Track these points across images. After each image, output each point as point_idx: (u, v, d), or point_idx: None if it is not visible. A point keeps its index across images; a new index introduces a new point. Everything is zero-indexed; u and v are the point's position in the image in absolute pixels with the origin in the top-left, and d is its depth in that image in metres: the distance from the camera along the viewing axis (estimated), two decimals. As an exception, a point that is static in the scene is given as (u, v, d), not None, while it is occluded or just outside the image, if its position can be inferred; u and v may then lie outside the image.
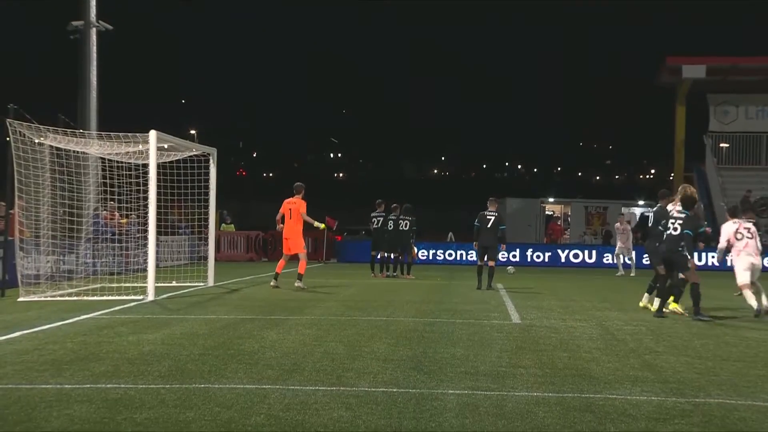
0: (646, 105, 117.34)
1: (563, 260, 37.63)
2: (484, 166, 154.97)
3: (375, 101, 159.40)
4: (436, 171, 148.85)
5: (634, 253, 32.07)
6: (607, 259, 38.02)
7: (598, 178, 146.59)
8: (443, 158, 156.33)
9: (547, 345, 12.70)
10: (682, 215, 16.76)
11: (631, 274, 30.95)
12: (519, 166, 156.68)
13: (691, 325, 15.66)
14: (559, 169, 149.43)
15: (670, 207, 17.43)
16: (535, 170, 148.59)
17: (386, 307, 17.84)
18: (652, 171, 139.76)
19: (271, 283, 22.32)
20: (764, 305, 16.95)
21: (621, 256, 32.00)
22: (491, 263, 22.79)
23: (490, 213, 22.89)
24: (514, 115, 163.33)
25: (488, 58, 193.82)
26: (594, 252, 37.39)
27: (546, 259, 38.25)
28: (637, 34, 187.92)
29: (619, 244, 32.03)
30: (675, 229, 16.67)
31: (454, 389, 9.19)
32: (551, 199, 54.38)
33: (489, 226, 22.73)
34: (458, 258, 38.99)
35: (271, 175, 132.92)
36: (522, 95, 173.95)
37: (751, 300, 16.84)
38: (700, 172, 47.00)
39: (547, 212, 50.36)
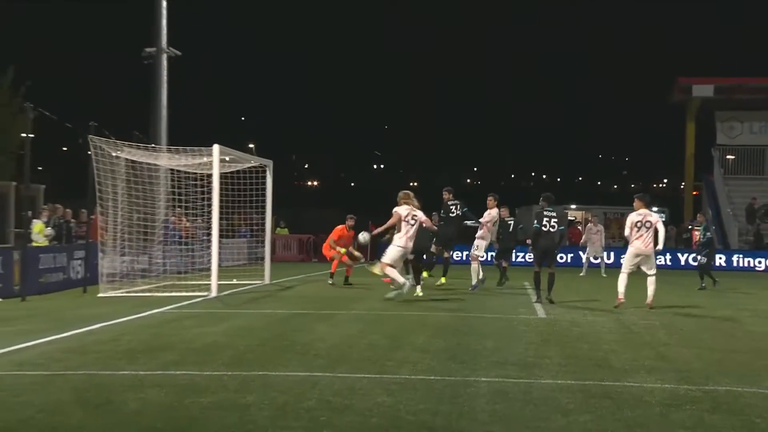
0: (658, 121, 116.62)
1: (584, 261, 37.31)
2: (512, 175, 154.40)
3: (418, 120, 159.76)
4: (469, 180, 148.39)
5: (605, 253, 31.84)
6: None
7: (615, 186, 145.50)
8: (475, 169, 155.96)
9: (569, 338, 12.62)
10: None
11: (603, 275, 30.47)
12: (543, 176, 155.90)
13: (701, 320, 15.49)
14: (580, 178, 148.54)
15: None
16: (558, 179, 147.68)
17: (423, 304, 17.81)
18: (665, 181, 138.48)
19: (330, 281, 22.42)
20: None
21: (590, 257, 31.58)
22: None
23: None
24: (541, 131, 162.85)
25: (520, 83, 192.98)
26: (612, 254, 37.00)
27: (568, 260, 38.00)
28: (651, 57, 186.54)
29: (590, 244, 31.63)
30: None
31: (486, 377, 9.15)
32: (573, 206, 53.98)
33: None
34: (488, 259, 38.81)
35: (316, 184, 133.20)
36: (549, 114, 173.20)
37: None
38: (708, 181, 46.66)
39: (569, 217, 50.00)
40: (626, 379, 9.24)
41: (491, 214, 21.67)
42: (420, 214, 18.01)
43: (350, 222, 22.91)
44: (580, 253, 38.42)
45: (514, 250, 25.71)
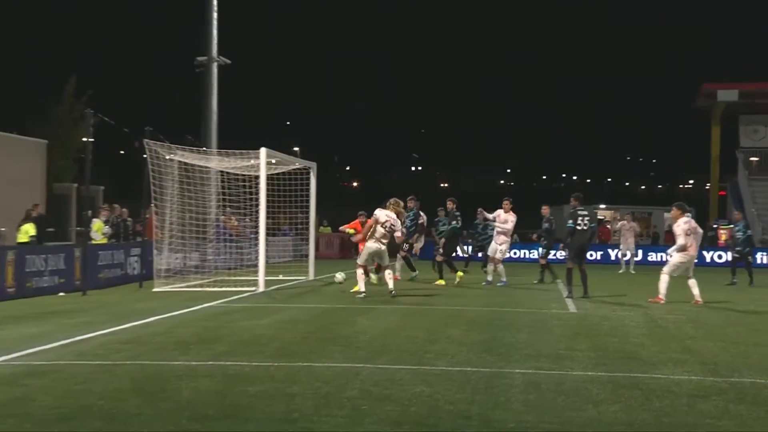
0: (684, 124, 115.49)
1: (613, 258, 36.99)
2: (544, 177, 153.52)
3: (454, 122, 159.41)
4: (502, 182, 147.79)
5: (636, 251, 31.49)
6: (652, 257, 37.35)
7: (643, 187, 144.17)
8: (509, 171, 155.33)
9: (599, 331, 12.52)
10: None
11: (631, 271, 30.19)
12: (574, 177, 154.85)
13: (727, 315, 15.31)
14: (609, 179, 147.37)
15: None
16: (588, 180, 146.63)
17: (459, 299, 17.78)
18: (691, 182, 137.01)
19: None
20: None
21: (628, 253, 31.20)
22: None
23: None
24: (572, 135, 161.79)
25: (549, 85, 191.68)
26: (640, 252, 36.63)
27: (598, 257, 37.73)
28: (676, 62, 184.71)
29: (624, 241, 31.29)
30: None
31: (520, 369, 9.10)
32: (602, 206, 53.58)
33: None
34: (522, 256, 38.66)
35: (355, 184, 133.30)
36: (579, 117, 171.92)
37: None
38: (733, 183, 46.19)
39: (598, 217, 49.65)
40: (654, 371, 9.15)
41: (511, 219, 21.53)
42: (398, 224, 17.72)
43: (361, 219, 22.75)
44: (609, 250, 38.18)
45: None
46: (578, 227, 17.94)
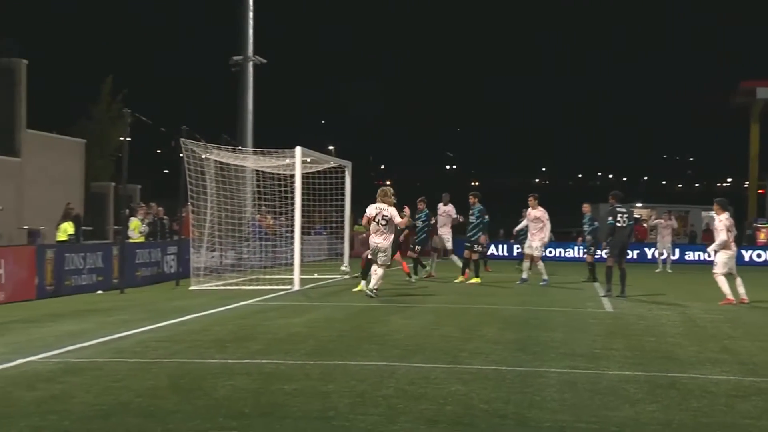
0: (720, 122, 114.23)
1: (650, 257, 36.70)
2: (580, 175, 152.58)
3: (489, 121, 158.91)
4: (537, 180, 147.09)
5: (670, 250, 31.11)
6: (689, 257, 37.02)
7: (680, 186, 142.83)
8: (544, 169, 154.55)
9: (635, 331, 12.43)
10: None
11: (668, 270, 29.88)
12: (610, 175, 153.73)
13: (765, 314, 15.13)
14: (645, 178, 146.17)
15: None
16: (624, 179, 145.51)
17: (493, 298, 17.74)
18: (729, 180, 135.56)
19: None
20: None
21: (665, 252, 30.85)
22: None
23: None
24: (610, 134, 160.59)
25: (587, 84, 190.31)
26: (677, 250, 36.31)
27: (635, 256, 37.43)
28: (711, 61, 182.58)
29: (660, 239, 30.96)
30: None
31: (555, 368, 9.06)
32: (639, 204, 53.15)
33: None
34: (558, 255, 38.47)
35: (388, 183, 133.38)
36: (618, 116, 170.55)
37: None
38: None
39: (635, 215, 49.23)
40: (692, 371, 9.07)
41: (540, 214, 21.38)
42: (390, 212, 17.02)
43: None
44: (646, 249, 37.86)
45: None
46: (618, 224, 17.88)
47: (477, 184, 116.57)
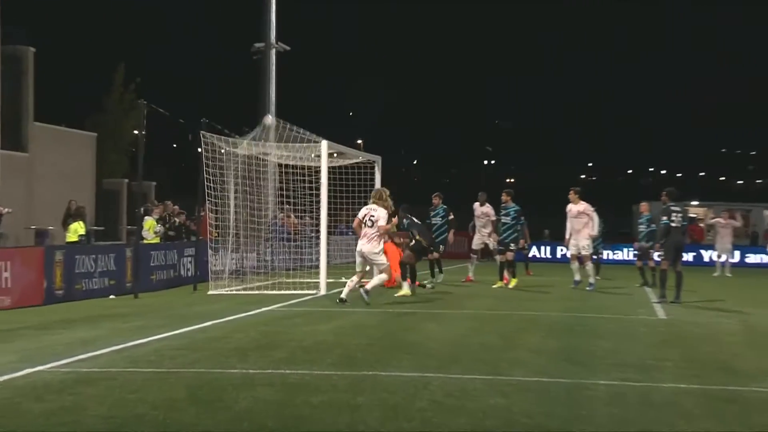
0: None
1: (707, 259, 36.44)
2: (629, 171, 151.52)
3: (529, 114, 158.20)
4: (583, 176, 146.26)
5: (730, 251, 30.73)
6: (750, 259, 36.71)
7: (740, 182, 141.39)
8: (590, 164, 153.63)
9: (691, 339, 12.36)
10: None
11: (727, 274, 29.61)
12: (663, 171, 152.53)
13: (834, 323, 14.98)
14: (702, 174, 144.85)
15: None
16: (679, 175, 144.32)
17: (536, 303, 17.69)
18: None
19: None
20: None
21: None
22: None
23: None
24: (662, 124, 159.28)
25: (635, 80, 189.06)
26: (737, 253, 36.03)
27: (690, 259, 37.14)
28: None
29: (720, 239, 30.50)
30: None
31: (603, 380, 9.02)
32: (695, 202, 52.77)
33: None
34: (607, 258, 38.26)
35: (416, 179, 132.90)
36: (672, 107, 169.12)
37: None
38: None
39: (690, 215, 48.86)
40: (753, 384, 9.00)
41: (582, 209, 21.24)
42: (378, 214, 16.76)
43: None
44: (702, 251, 37.55)
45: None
46: (672, 224, 17.75)
47: (512, 181, 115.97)
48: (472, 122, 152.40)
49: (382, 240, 17.04)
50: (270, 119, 21.02)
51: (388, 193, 17.48)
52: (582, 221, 21.16)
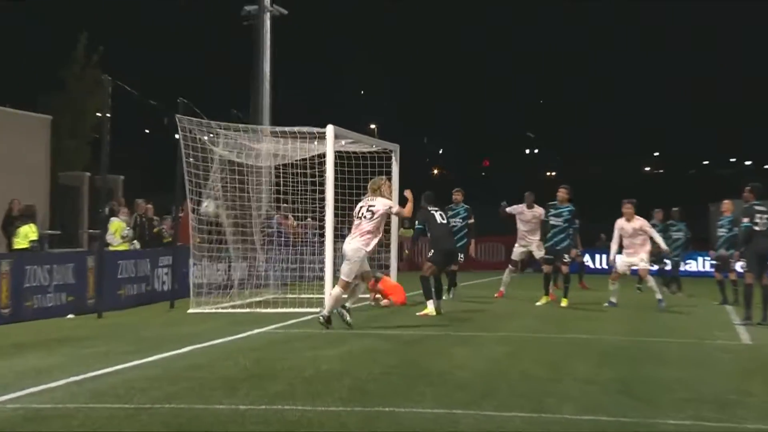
0: None
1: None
2: (705, 162, 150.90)
3: (582, 94, 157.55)
4: (648, 169, 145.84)
5: None
6: None
7: None
8: (656, 154, 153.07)
9: (781, 370, 12.34)
10: None
11: None
12: (747, 162, 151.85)
13: None
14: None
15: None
16: (767, 167, 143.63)
17: (588, 323, 17.68)
18: None
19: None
20: None
21: None
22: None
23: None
24: (745, 106, 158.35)
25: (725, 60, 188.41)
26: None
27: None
28: None
29: None
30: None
31: (672, 419, 9.01)
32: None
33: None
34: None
35: (442, 172, 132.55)
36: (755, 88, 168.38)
37: None
38: None
39: None
40: None
41: (638, 226, 21.20)
42: (378, 204, 16.43)
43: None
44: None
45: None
46: (756, 228, 17.60)
47: (554, 174, 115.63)
48: (509, 103, 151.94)
49: (375, 240, 16.43)
50: (211, 205, 20.77)
51: (384, 181, 17.15)
52: (636, 240, 21.14)
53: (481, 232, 25.14)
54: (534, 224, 23.16)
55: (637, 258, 21.15)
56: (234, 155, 21.89)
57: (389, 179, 21.25)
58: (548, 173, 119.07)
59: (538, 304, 21.39)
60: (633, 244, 21.23)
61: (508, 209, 23.61)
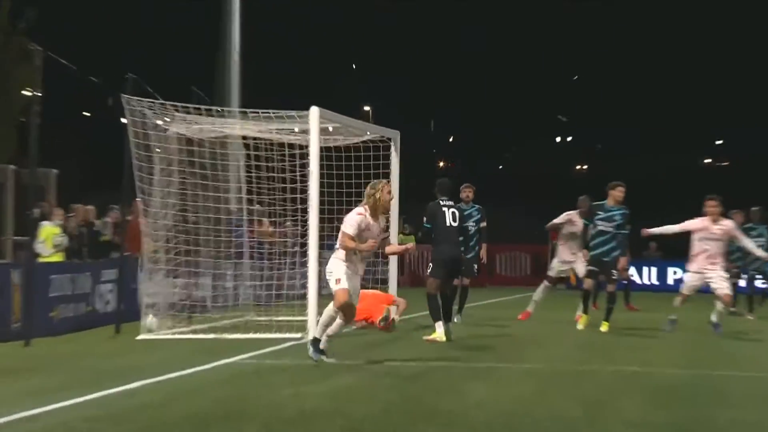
0: None
1: None
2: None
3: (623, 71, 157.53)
4: (708, 160, 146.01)
5: None
6: None
7: None
8: (719, 142, 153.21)
9: None
10: None
11: None
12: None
13: None
14: None
15: None
16: None
17: (636, 352, 17.71)
18: None
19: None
20: None
21: None
22: None
23: None
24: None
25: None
26: None
27: None
28: None
29: None
30: None
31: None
32: None
33: None
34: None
35: (448, 164, 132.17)
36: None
37: None
38: None
39: None
40: None
41: (722, 227, 21.19)
42: (345, 219, 16.14)
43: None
44: None
45: None
46: None
47: (584, 168, 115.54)
48: (536, 82, 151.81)
49: (344, 255, 15.98)
50: (152, 322, 20.73)
51: (381, 187, 16.62)
52: (717, 248, 21.09)
53: (500, 239, 25.12)
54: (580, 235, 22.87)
55: (716, 275, 21.02)
56: (195, 144, 21.88)
57: (387, 176, 21.33)
58: (579, 166, 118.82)
59: (579, 327, 21.36)
60: (711, 253, 21.18)
61: (555, 221, 23.56)
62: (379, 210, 16.17)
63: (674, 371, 15.47)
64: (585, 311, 21.84)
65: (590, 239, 21.52)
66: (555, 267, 23.89)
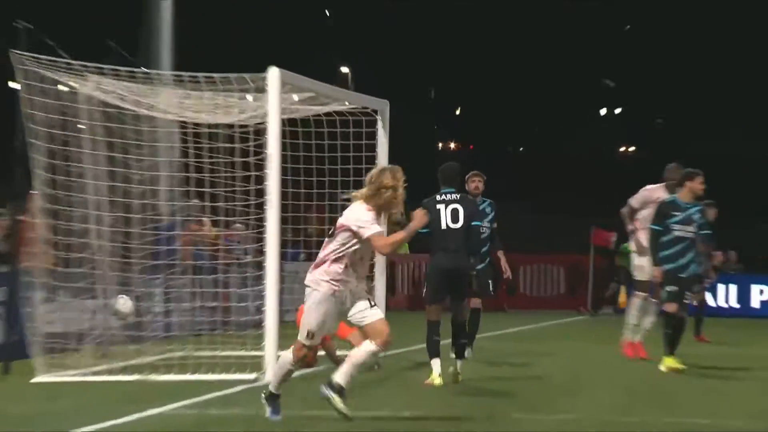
0: None
1: None
2: None
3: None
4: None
5: None
6: None
7: None
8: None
9: None
10: None
11: None
12: None
13: None
14: None
15: None
16: None
17: (707, 398, 17.74)
18: None
19: None
20: None
21: None
22: None
23: None
24: None
25: None
26: None
27: None
28: None
29: None
30: None
31: None
32: None
33: None
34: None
35: (455, 146, 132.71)
36: None
37: None
38: None
39: None
40: None
41: None
42: (347, 214, 15.69)
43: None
44: None
45: None
46: None
47: (632, 150, 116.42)
48: (572, 33, 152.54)
49: (340, 269, 15.46)
50: (127, 305, 20.72)
51: (387, 172, 16.43)
52: None
53: (523, 247, 25.14)
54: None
55: None
56: (113, 120, 21.87)
57: (373, 160, 21.34)
58: (624, 148, 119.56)
59: (662, 368, 21.17)
60: None
61: (632, 203, 23.27)
62: (392, 208, 15.69)
63: (752, 423, 15.53)
64: (671, 350, 21.40)
65: (661, 248, 21.21)
66: (640, 264, 23.50)
